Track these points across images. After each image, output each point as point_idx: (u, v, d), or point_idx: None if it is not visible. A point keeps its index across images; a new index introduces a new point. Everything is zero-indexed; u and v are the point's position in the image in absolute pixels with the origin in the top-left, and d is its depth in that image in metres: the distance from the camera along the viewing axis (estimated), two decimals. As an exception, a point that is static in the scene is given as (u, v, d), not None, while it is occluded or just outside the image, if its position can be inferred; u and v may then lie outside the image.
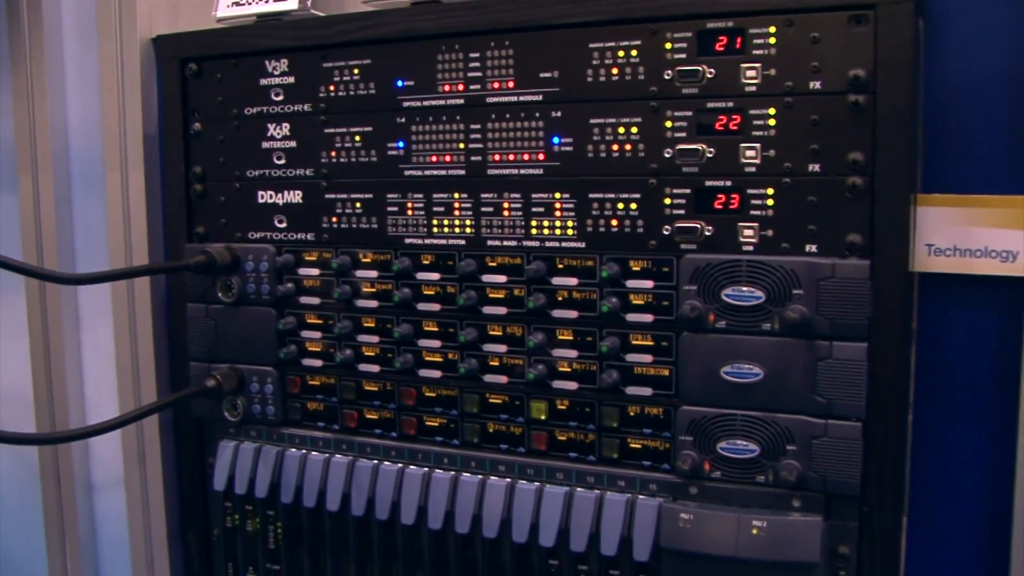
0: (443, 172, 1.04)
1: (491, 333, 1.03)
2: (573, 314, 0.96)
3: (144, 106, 1.28)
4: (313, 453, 1.13)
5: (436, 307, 1.06)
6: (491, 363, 1.04)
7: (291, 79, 1.10)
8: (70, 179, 1.44)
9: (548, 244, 0.97)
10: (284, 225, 1.14)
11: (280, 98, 1.11)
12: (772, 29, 0.86)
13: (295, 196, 1.13)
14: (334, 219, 1.11)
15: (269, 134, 1.14)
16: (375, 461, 1.07)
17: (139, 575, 1.42)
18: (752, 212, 0.88)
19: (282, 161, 1.12)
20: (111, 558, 1.50)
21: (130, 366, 1.34)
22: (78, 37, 1.41)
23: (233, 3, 1.13)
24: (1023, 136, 0.87)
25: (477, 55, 1.00)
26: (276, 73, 1.11)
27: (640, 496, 0.94)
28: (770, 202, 0.87)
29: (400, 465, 1.06)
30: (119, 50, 1.30)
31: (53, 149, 1.42)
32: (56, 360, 1.45)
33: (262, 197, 1.14)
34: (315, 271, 1.13)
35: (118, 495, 1.43)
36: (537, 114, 0.99)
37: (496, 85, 0.98)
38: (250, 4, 1.12)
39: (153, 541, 1.38)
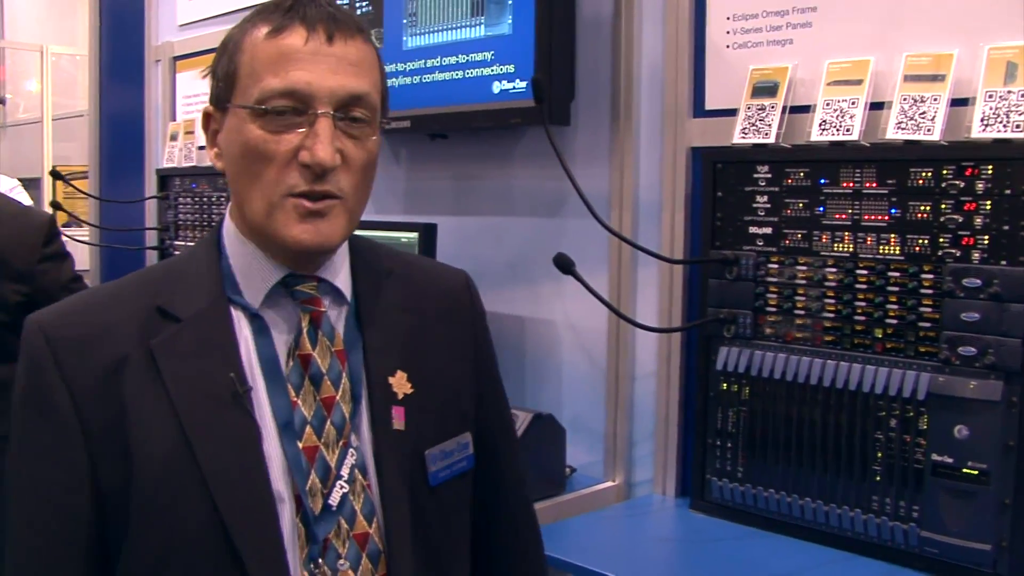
0: (839, 223, 2.19)
1: (858, 297, 2.18)
2: (896, 288, 2.14)
3: (685, 180, 2.56)
4: (767, 352, 2.29)
5: (834, 283, 2.20)
6: (856, 312, 2.19)
7: (770, 175, 2.29)
8: (638, 213, 2.70)
9: (887, 258, 2.14)
10: (761, 243, 2.32)
11: (763, 184, 2.31)
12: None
13: (768, 229, 2.30)
14: (787, 241, 2.26)
15: (756, 199, 2.32)
16: (797, 356, 2.26)
17: (660, 422, 2.61)
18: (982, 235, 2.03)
19: (762, 213, 2.31)
20: (642, 416, 2.73)
21: (668, 311, 2.62)
22: (648, 141, 2.66)
23: (740, 138, 2.37)
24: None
25: (859, 171, 2.15)
26: (761, 172, 2.31)
27: (922, 373, 2.07)
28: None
29: (809, 358, 2.24)
30: (674, 152, 2.55)
31: (632, 197, 2.69)
32: (624, 309, 2.76)
33: (751, 229, 2.33)
34: (777, 267, 2.30)
35: (649, 383, 2.69)
36: (884, 199, 2.13)
37: (867, 184, 2.15)
38: (746, 138, 2.36)
39: (669, 405, 2.62)
